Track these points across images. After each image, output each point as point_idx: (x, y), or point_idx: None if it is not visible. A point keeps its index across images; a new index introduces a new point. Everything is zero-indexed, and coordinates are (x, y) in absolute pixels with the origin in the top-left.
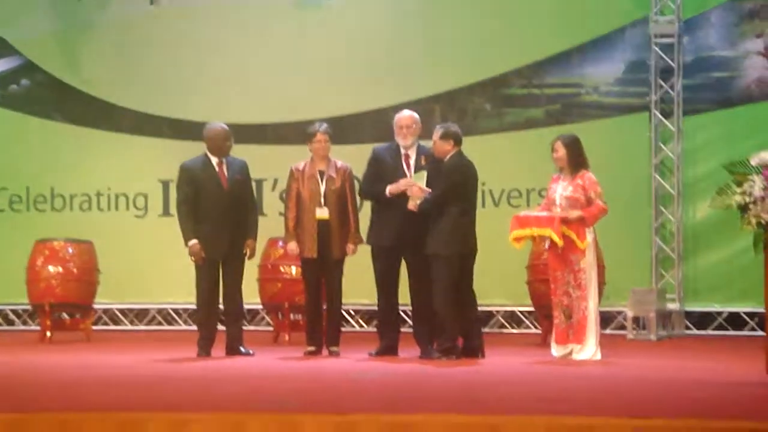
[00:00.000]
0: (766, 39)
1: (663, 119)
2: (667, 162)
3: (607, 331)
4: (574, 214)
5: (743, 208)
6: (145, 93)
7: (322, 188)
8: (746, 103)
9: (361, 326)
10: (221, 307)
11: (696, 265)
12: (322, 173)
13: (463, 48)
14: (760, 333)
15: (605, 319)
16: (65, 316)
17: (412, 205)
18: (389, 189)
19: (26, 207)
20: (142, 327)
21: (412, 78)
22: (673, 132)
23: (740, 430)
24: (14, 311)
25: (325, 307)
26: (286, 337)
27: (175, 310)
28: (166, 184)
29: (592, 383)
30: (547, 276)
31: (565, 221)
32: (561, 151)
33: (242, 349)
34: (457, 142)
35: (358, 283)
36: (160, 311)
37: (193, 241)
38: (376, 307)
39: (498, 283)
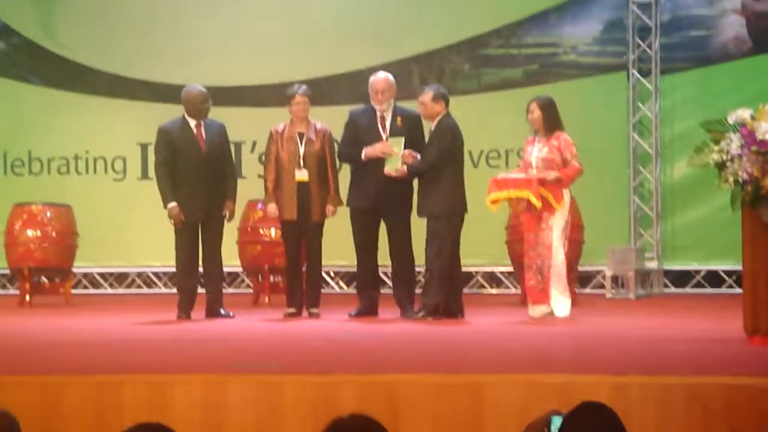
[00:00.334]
0: None
1: (641, 78)
2: (645, 121)
3: (586, 291)
4: (552, 175)
5: (721, 166)
6: (122, 56)
7: (302, 150)
8: (724, 61)
9: (341, 288)
10: (201, 269)
11: (674, 224)
12: (301, 135)
13: (440, 8)
14: (738, 290)
15: (584, 279)
16: (44, 280)
17: (388, 169)
18: (365, 152)
19: (3, 171)
20: (121, 290)
21: (390, 39)
22: (651, 91)
23: (718, 386)
24: None
25: (304, 269)
26: (266, 300)
27: (155, 273)
28: (144, 148)
29: (571, 342)
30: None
31: (542, 183)
32: (536, 113)
33: (222, 311)
34: (447, 103)
35: (337, 245)
36: (139, 274)
37: (172, 204)
38: (355, 269)
39: (477, 244)
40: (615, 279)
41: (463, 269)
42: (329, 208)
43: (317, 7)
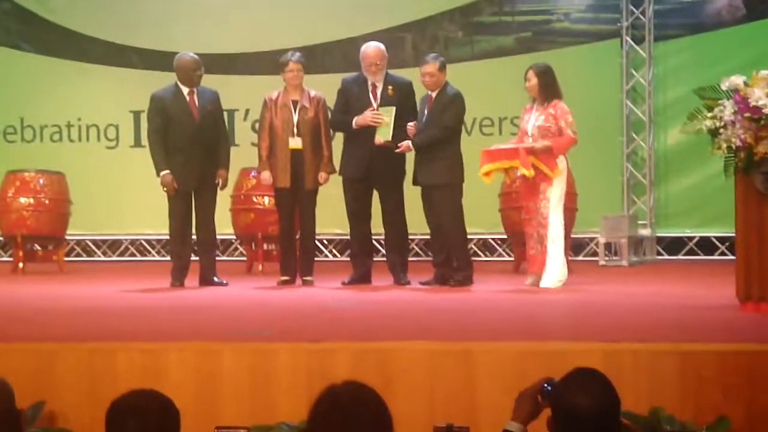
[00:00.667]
0: None
1: (634, 45)
2: (639, 88)
3: (579, 258)
4: (540, 144)
5: (714, 133)
6: (115, 23)
7: (295, 118)
8: (717, 28)
9: (334, 256)
10: (194, 237)
11: (667, 191)
12: (295, 103)
13: None
14: (731, 257)
15: (577, 246)
16: (37, 247)
17: (379, 138)
18: (356, 120)
19: None
20: (115, 258)
21: (383, 6)
22: (645, 58)
23: (710, 353)
24: None
25: (298, 236)
26: (260, 267)
27: (148, 241)
28: (137, 115)
29: (564, 310)
30: (519, 204)
31: (531, 152)
32: (533, 81)
33: (216, 279)
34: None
35: (331, 213)
36: (133, 242)
37: (165, 172)
38: (348, 237)
39: (470, 211)
40: (608, 246)
41: None
42: (322, 175)
43: None
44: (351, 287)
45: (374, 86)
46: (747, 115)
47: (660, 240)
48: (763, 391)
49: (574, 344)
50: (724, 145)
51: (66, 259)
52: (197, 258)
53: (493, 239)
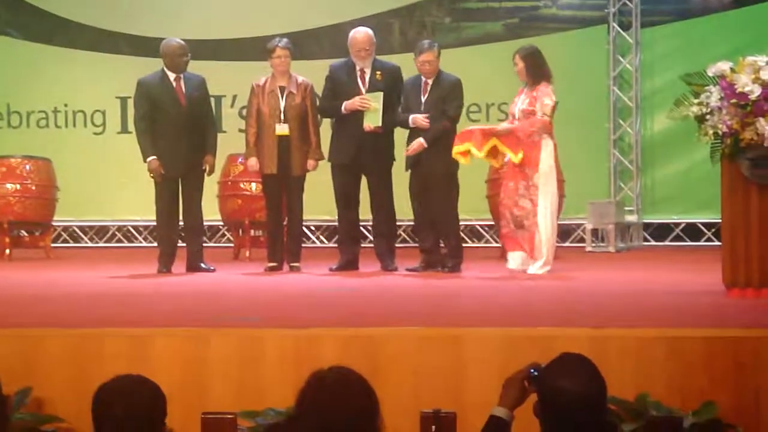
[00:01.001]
0: None
1: (621, 31)
2: (626, 74)
3: (566, 244)
4: (502, 127)
5: (700, 119)
6: (102, 9)
7: (282, 104)
8: (704, 14)
9: (321, 242)
10: (181, 223)
11: (654, 177)
12: (282, 89)
13: None
14: (717, 243)
15: (564, 232)
16: (24, 233)
17: (367, 124)
18: (345, 105)
19: None
20: (102, 244)
21: None
22: (631, 44)
23: (697, 338)
24: None
25: (285, 223)
26: (247, 254)
27: (135, 227)
28: (124, 101)
29: (551, 295)
30: None
31: (494, 134)
32: (520, 64)
33: (203, 265)
34: None
35: (318, 199)
36: (120, 228)
37: (152, 158)
38: (336, 223)
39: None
40: (595, 232)
41: None
42: (310, 162)
43: None
44: (338, 273)
45: (362, 72)
46: (733, 101)
47: (647, 226)
48: (749, 376)
49: (561, 330)
50: (711, 132)
51: (53, 245)
52: (184, 244)
53: (480, 225)
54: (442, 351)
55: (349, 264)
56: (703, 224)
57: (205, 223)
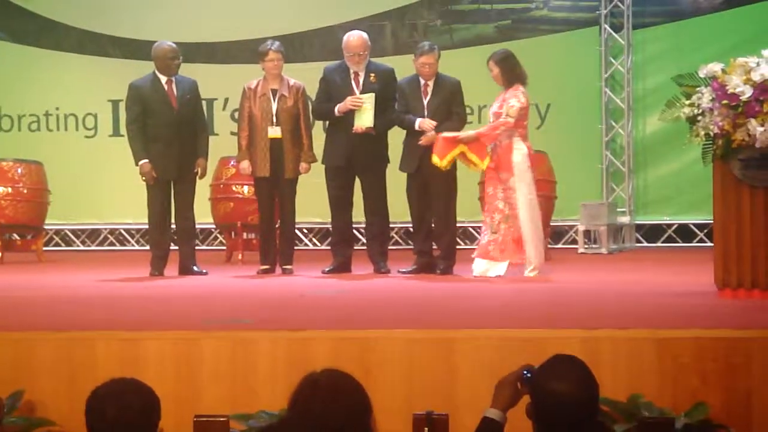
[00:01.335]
0: None
1: (613, 33)
2: (617, 76)
3: (559, 246)
4: (465, 134)
5: (692, 120)
6: (93, 11)
7: (274, 107)
8: (695, 15)
9: (314, 245)
10: (173, 226)
11: (646, 179)
12: (274, 92)
13: None
14: (709, 244)
15: (557, 234)
16: (16, 237)
17: (358, 125)
18: (338, 107)
19: None
20: (94, 247)
21: None
22: (623, 46)
23: (689, 339)
24: None
25: (278, 225)
26: (240, 257)
27: (127, 230)
28: (115, 104)
29: (543, 297)
30: None
31: (459, 141)
32: (495, 70)
33: (195, 268)
34: None
35: (311, 202)
36: (112, 231)
37: (144, 161)
38: (329, 226)
39: None
40: (587, 234)
41: None
42: (303, 165)
43: None
44: (331, 276)
45: (356, 75)
46: (725, 102)
47: (639, 227)
48: (741, 377)
49: (554, 331)
50: (702, 133)
51: (45, 248)
52: (177, 247)
53: (473, 227)
54: (434, 353)
55: (341, 266)
56: (695, 225)
57: (197, 226)
